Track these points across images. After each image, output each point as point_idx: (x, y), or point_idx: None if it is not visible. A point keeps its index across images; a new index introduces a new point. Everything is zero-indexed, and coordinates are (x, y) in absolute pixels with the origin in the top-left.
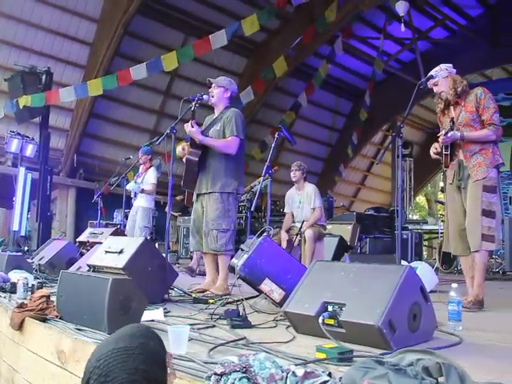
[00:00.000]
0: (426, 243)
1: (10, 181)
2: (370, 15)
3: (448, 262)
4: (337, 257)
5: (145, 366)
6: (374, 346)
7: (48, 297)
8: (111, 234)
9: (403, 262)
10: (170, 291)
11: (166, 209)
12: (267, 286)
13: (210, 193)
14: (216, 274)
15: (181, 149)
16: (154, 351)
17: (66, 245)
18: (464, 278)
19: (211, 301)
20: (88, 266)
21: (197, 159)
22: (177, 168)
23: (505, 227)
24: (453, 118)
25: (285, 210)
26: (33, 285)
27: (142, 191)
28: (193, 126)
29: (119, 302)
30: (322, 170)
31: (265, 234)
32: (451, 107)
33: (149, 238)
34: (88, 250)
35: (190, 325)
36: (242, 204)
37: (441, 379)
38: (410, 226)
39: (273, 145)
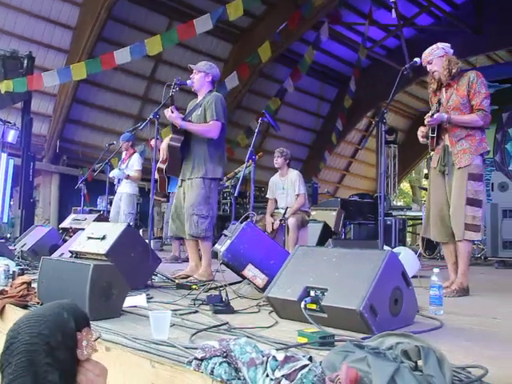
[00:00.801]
0: (409, 229)
1: None
2: (355, 1)
3: (431, 247)
4: (321, 243)
5: (48, 331)
6: (356, 330)
7: (29, 283)
8: (94, 220)
9: (386, 248)
10: (154, 277)
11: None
12: (250, 271)
13: (192, 178)
14: (199, 259)
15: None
16: (63, 321)
17: (49, 231)
18: (444, 264)
19: (194, 286)
20: (70, 252)
21: (179, 145)
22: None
23: (487, 214)
24: (440, 100)
25: (267, 196)
26: (14, 271)
27: (128, 177)
28: (172, 112)
29: (101, 288)
30: (307, 157)
31: (248, 219)
32: (443, 89)
33: (133, 224)
34: (71, 237)
35: (173, 310)
36: (226, 190)
37: (419, 362)
38: (394, 213)
39: (256, 130)
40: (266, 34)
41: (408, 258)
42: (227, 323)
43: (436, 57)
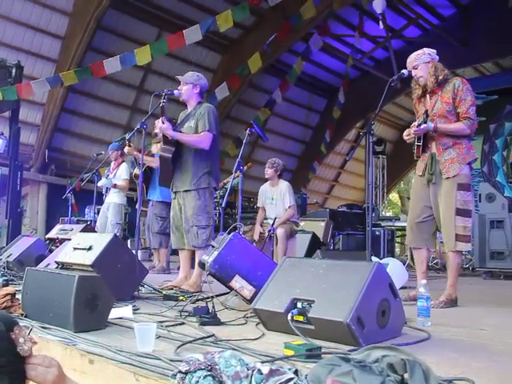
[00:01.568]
0: (398, 240)
1: None
2: (344, 13)
3: None
4: (310, 253)
5: None
6: (343, 342)
7: (13, 295)
8: (81, 231)
9: (374, 259)
10: (141, 288)
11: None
12: (238, 282)
13: (186, 191)
14: (189, 271)
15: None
16: None
17: (35, 242)
18: (435, 275)
19: (181, 298)
20: (56, 262)
21: (170, 156)
22: None
23: (475, 224)
24: (427, 111)
25: (257, 204)
26: None
27: (115, 186)
28: (163, 122)
29: (86, 300)
30: (297, 167)
31: (236, 230)
32: (428, 95)
33: (121, 234)
34: (57, 247)
35: (159, 322)
36: (215, 201)
37: (406, 375)
38: (383, 223)
39: (244, 141)
40: (255, 45)
41: (396, 269)
42: (213, 335)
43: (422, 62)
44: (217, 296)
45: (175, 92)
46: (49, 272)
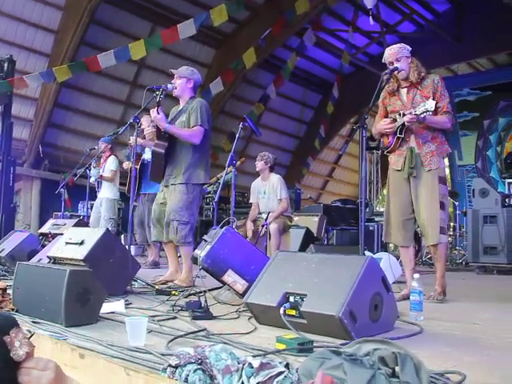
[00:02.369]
0: None
1: None
2: (338, 8)
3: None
4: (303, 248)
5: None
6: (336, 336)
7: (4, 290)
8: (74, 225)
9: (367, 253)
10: (133, 283)
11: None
12: (230, 277)
13: (175, 184)
14: (178, 264)
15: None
16: None
17: (28, 237)
18: (427, 269)
19: (174, 292)
20: (48, 257)
21: (163, 151)
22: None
23: (468, 219)
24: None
25: (250, 200)
26: None
27: (101, 177)
28: (158, 113)
29: (77, 294)
30: (291, 162)
31: (228, 224)
32: (402, 90)
33: (114, 229)
34: (50, 242)
35: (151, 316)
36: (209, 196)
37: (397, 369)
38: (377, 218)
39: (237, 135)
40: (249, 40)
41: (390, 263)
42: (205, 329)
43: (404, 56)
44: (209, 290)
45: (169, 86)
46: (40, 266)
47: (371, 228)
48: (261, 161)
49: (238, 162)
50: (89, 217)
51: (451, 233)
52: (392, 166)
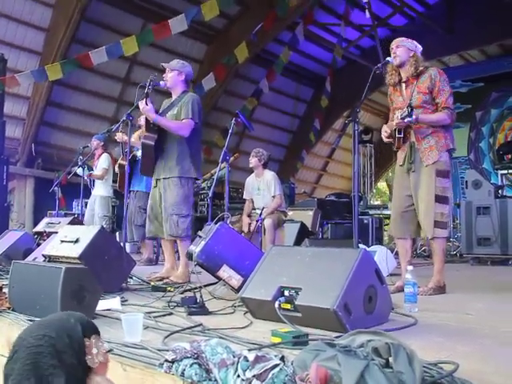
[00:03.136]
0: (386, 228)
1: None
2: (329, 1)
3: None
4: (298, 243)
5: (54, 333)
6: (331, 329)
7: (0, 288)
8: (68, 224)
9: (361, 246)
10: (129, 280)
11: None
12: (225, 272)
13: (169, 178)
14: (175, 261)
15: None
16: (70, 326)
17: (22, 236)
18: (422, 262)
19: (169, 289)
20: (43, 256)
21: (152, 143)
22: None
23: (461, 211)
24: (410, 104)
25: (244, 197)
26: None
27: (90, 175)
28: (147, 104)
29: (73, 292)
30: (284, 157)
31: (223, 220)
32: (403, 84)
33: (109, 227)
34: (45, 241)
35: (147, 313)
36: (203, 192)
37: (390, 359)
38: (371, 211)
39: (230, 130)
40: (240, 35)
41: (384, 256)
42: (201, 324)
43: (406, 46)
44: (205, 286)
45: (161, 83)
46: (35, 265)
47: (365, 221)
48: (255, 157)
49: (232, 158)
50: (83, 215)
51: None
52: (397, 161)
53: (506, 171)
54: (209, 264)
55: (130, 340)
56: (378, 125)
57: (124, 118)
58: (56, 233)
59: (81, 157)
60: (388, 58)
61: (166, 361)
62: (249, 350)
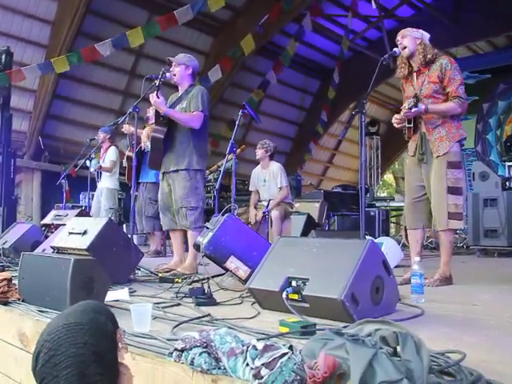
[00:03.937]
0: (393, 220)
1: None
2: None
3: None
4: (305, 234)
5: (93, 340)
6: (338, 319)
7: (10, 280)
8: (76, 216)
9: (368, 238)
10: (137, 271)
11: None
12: (233, 263)
13: (177, 170)
14: (183, 254)
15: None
16: (103, 326)
17: (30, 228)
18: (430, 254)
19: (177, 280)
20: (52, 247)
21: (162, 137)
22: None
23: (468, 203)
24: (416, 94)
25: (250, 188)
26: None
27: (100, 168)
28: (158, 97)
29: (82, 283)
30: (291, 149)
31: (230, 212)
32: (414, 74)
33: (115, 219)
34: (53, 233)
35: (155, 303)
36: (209, 184)
37: (398, 348)
38: (378, 203)
39: (237, 122)
40: (246, 27)
41: (391, 248)
42: (209, 315)
43: (412, 35)
44: (212, 277)
45: (167, 75)
46: (45, 256)
47: (372, 213)
48: (261, 149)
49: (238, 150)
50: (90, 207)
51: None
52: (408, 151)
53: None
54: (216, 255)
55: (138, 330)
56: (385, 116)
57: (130, 110)
58: (64, 225)
59: (93, 153)
60: (395, 49)
61: (176, 350)
62: (257, 340)
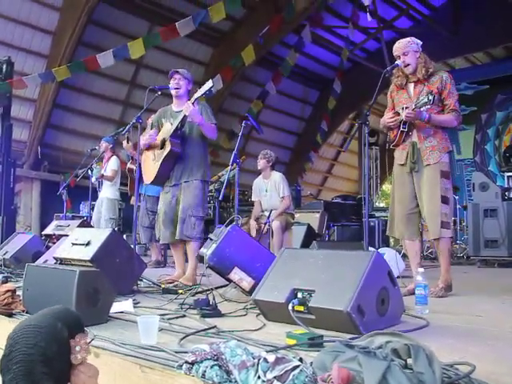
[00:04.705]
0: None
1: None
2: (336, 4)
3: None
4: (305, 245)
5: (44, 343)
6: (344, 330)
7: (13, 291)
8: (78, 226)
9: (371, 249)
10: (139, 282)
11: (132, 200)
12: (236, 274)
13: (190, 181)
14: (184, 265)
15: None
16: (58, 332)
17: (32, 238)
18: (429, 264)
19: (181, 291)
20: (55, 258)
21: (180, 151)
22: None
23: (468, 213)
24: (432, 92)
25: (252, 199)
26: None
27: (102, 177)
28: (194, 105)
29: (87, 294)
30: (290, 160)
31: (233, 223)
32: (410, 84)
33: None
34: (54, 243)
35: (160, 315)
36: (210, 194)
37: (409, 360)
38: (377, 214)
39: (240, 134)
40: (246, 38)
41: (392, 258)
42: (215, 326)
43: (411, 50)
44: (216, 288)
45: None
46: (49, 268)
47: (372, 223)
48: (263, 159)
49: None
50: (91, 217)
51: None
52: (396, 160)
53: None
54: (220, 266)
55: (145, 342)
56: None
57: (134, 121)
58: (65, 235)
59: (94, 163)
60: (397, 62)
61: (187, 362)
62: (266, 352)
